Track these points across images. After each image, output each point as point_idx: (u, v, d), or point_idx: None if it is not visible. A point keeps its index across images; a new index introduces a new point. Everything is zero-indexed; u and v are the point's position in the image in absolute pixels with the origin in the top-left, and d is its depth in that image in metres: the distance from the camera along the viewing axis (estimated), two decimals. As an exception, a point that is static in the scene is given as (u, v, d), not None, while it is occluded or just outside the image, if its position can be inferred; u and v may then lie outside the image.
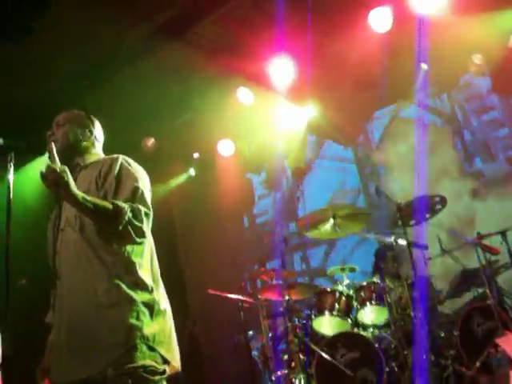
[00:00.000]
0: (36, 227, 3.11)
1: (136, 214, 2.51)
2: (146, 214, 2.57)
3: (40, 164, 3.20)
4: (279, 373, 5.17)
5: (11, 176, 2.69)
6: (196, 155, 7.20)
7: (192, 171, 7.25)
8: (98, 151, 3.01)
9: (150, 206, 2.64)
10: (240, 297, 5.49)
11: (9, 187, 2.66)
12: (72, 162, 2.83)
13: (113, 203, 2.49)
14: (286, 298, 5.19)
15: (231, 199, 7.25)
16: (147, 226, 2.58)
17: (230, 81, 6.54)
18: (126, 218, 2.47)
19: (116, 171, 2.68)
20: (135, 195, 2.60)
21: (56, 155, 2.53)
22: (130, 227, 2.48)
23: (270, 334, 5.44)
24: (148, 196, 2.69)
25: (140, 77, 6.23)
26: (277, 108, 6.63)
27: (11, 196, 2.66)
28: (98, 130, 3.05)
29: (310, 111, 6.72)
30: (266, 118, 6.89)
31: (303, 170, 7.24)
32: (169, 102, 6.89)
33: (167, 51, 5.98)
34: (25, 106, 5.95)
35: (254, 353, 5.57)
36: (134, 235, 2.51)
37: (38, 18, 5.29)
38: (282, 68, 6.20)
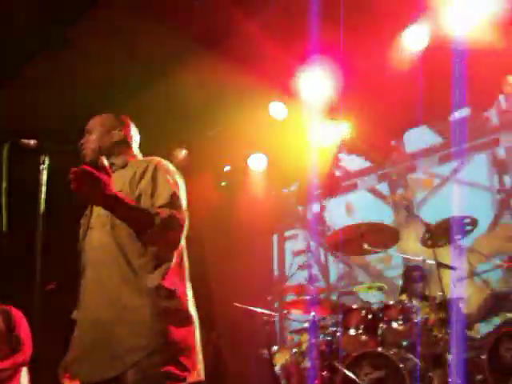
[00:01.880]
0: (69, 228, 3.12)
1: (172, 221, 2.48)
2: (182, 222, 2.54)
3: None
4: (303, 389, 5.13)
5: (44, 178, 2.71)
6: (227, 168, 7.21)
7: (223, 184, 7.26)
8: (133, 152, 3.00)
9: (186, 212, 2.62)
10: (266, 311, 5.46)
11: (41, 189, 2.68)
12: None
13: (148, 208, 2.49)
14: (312, 314, 5.15)
15: (261, 213, 7.25)
16: (182, 233, 2.56)
17: (263, 94, 6.56)
18: (162, 225, 2.44)
19: (152, 174, 2.66)
20: (172, 201, 2.58)
21: (108, 168, 2.51)
22: (164, 234, 2.47)
23: (295, 350, 5.40)
24: (184, 202, 2.66)
25: (173, 88, 6.29)
26: (310, 123, 6.62)
27: (43, 198, 2.63)
28: (130, 130, 3.04)
29: (342, 127, 6.70)
30: (298, 133, 6.89)
31: (334, 187, 7.21)
32: (201, 114, 6.94)
33: (200, 63, 6.02)
34: (63, 112, 6.05)
35: (278, 368, 5.53)
36: (167, 242, 2.50)
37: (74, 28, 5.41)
38: (315, 83, 6.20)
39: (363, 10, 5.73)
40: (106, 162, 2.47)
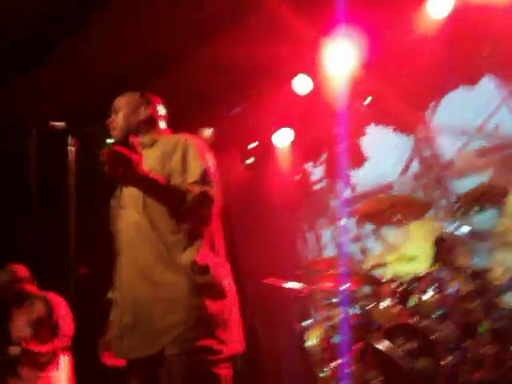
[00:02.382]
0: (100, 209, 3.15)
1: (204, 197, 2.50)
2: (214, 198, 2.55)
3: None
4: (335, 363, 5.14)
5: (72, 160, 2.73)
6: (253, 145, 7.18)
7: (249, 161, 7.23)
8: (161, 129, 3.00)
9: (217, 187, 2.62)
10: (296, 286, 5.47)
11: (69, 171, 2.70)
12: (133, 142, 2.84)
13: (179, 186, 2.50)
14: (344, 287, 5.15)
15: (289, 188, 7.24)
16: (214, 210, 2.57)
17: (287, 68, 6.51)
18: (194, 202, 2.46)
19: (182, 151, 2.67)
20: (203, 177, 2.58)
21: (138, 147, 2.51)
22: (196, 211, 2.48)
23: (326, 324, 5.40)
24: (215, 177, 2.66)
25: (196, 65, 6.27)
26: (335, 96, 6.55)
27: (73, 179, 2.68)
28: (157, 108, 3.04)
29: (368, 99, 6.63)
30: (324, 106, 6.83)
31: (361, 159, 7.15)
32: (225, 92, 6.92)
33: (225, 39, 5.99)
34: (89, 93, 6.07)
35: (310, 343, 5.54)
36: (199, 219, 2.51)
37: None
38: (340, 55, 6.13)
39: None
40: (135, 142, 2.49)
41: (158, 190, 2.47)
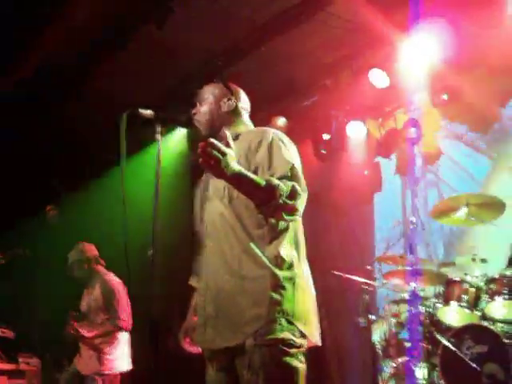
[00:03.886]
0: (178, 199, 3.21)
1: (292, 193, 2.48)
2: (301, 193, 2.53)
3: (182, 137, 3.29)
4: (400, 360, 5.12)
5: (160, 149, 2.77)
6: (326, 136, 7.16)
7: (322, 152, 7.21)
8: (245, 121, 2.99)
9: (304, 183, 2.61)
10: (364, 280, 5.46)
11: (158, 160, 2.72)
12: (219, 135, 2.83)
13: (269, 181, 2.47)
14: (413, 284, 5.11)
15: (359, 182, 7.20)
16: (301, 205, 2.55)
17: (364, 61, 6.46)
18: (283, 198, 2.45)
19: (268, 146, 2.64)
20: (291, 173, 2.56)
21: (231, 140, 2.51)
22: (284, 207, 2.47)
23: (393, 320, 5.38)
24: (302, 173, 2.65)
25: (272, 55, 6.29)
26: (411, 91, 6.46)
27: (159, 170, 2.70)
28: (242, 99, 3.02)
29: (445, 95, 6.49)
30: (399, 101, 6.75)
31: (436, 155, 7.05)
32: (300, 82, 6.92)
33: (300, 31, 5.98)
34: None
35: (375, 338, 5.53)
36: (286, 215, 2.52)
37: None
38: (417, 50, 6.02)
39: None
40: (224, 134, 2.49)
41: (248, 187, 2.46)
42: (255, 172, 2.60)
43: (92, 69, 6.40)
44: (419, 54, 6.03)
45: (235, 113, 2.96)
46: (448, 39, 5.86)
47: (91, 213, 7.75)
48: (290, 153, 2.67)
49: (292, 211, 2.51)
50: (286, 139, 2.74)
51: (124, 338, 5.48)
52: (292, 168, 2.58)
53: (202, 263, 2.79)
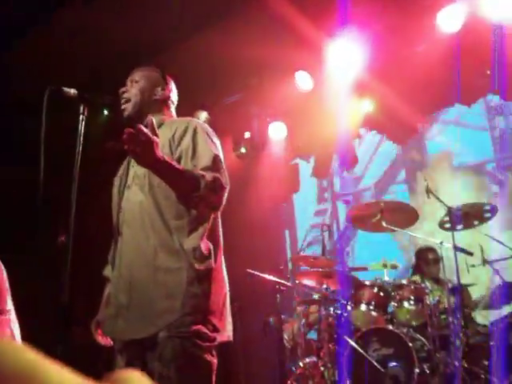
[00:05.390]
0: (102, 182, 3.10)
1: (216, 184, 2.47)
2: (225, 185, 2.53)
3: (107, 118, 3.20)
4: (308, 360, 5.17)
5: (82, 128, 2.69)
6: (247, 134, 7.16)
7: (242, 150, 7.22)
8: (171, 112, 2.96)
9: (226, 174, 2.60)
10: (277, 279, 5.48)
11: (79, 140, 2.64)
12: (144, 120, 2.77)
13: (193, 171, 2.46)
14: (324, 286, 5.18)
15: (277, 182, 7.24)
16: (223, 198, 2.55)
17: (290, 63, 6.49)
18: (206, 190, 2.43)
19: (192, 135, 2.63)
20: (214, 164, 2.55)
21: (156, 128, 2.47)
22: (208, 197, 2.45)
23: (303, 321, 5.43)
24: (224, 164, 2.64)
25: (197, 50, 6.23)
26: (334, 96, 6.55)
27: (80, 148, 2.62)
28: (172, 90, 3.00)
29: (368, 104, 6.64)
30: (322, 105, 6.83)
31: (353, 162, 7.18)
32: (225, 78, 6.88)
33: (229, 26, 5.96)
34: (101, 61, 5.99)
35: (285, 337, 5.57)
36: (208, 207, 2.49)
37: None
38: (343, 55, 6.13)
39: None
40: (154, 122, 2.43)
41: (172, 176, 2.42)
42: (178, 161, 2.57)
43: (16, 43, 6.10)
44: (345, 60, 6.13)
45: (164, 102, 2.93)
46: (373, 49, 6.01)
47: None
48: (214, 143, 2.67)
49: (215, 204, 2.50)
50: (210, 130, 2.75)
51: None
52: (215, 159, 2.57)
53: (117, 252, 2.71)
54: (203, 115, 7.05)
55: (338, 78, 6.38)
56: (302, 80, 6.58)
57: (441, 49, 5.89)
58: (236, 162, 7.17)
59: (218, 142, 2.74)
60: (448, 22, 5.69)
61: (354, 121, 6.90)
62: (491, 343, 4.66)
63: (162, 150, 2.51)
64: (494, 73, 5.59)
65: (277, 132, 7.17)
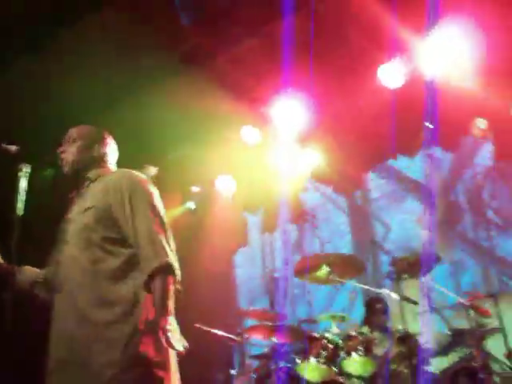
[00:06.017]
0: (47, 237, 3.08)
1: (170, 275, 2.54)
2: (172, 259, 2.56)
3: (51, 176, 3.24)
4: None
5: (22, 186, 2.70)
6: (195, 189, 7.19)
7: (190, 204, 7.23)
8: (109, 166, 2.98)
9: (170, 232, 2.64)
10: (226, 334, 5.43)
11: (18, 197, 2.68)
12: (83, 177, 2.85)
13: (132, 237, 2.57)
14: (273, 340, 5.15)
15: (226, 236, 7.24)
16: (176, 266, 2.58)
17: (235, 118, 6.59)
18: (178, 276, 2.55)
19: (129, 201, 2.64)
20: (152, 240, 2.55)
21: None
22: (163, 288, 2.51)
23: (253, 376, 5.37)
24: (164, 219, 2.67)
25: (149, 104, 6.28)
26: (281, 150, 6.66)
27: (20, 206, 2.66)
28: (110, 146, 3.03)
29: (313, 156, 6.76)
30: (269, 159, 6.92)
31: (301, 215, 7.25)
32: (173, 133, 6.92)
33: (176, 83, 6.04)
34: (43, 119, 5.96)
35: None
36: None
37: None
38: (288, 112, 6.26)
39: (340, 46, 5.86)
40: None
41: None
42: (110, 212, 2.61)
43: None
44: (290, 115, 6.26)
45: (101, 159, 2.95)
46: (316, 104, 6.16)
47: None
48: (153, 199, 2.68)
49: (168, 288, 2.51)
50: (145, 187, 2.73)
51: None
52: (153, 231, 2.57)
53: (55, 305, 2.67)
54: (151, 170, 7.05)
55: (283, 132, 6.49)
56: (248, 134, 6.67)
57: (384, 102, 6.05)
58: (185, 215, 7.16)
59: (156, 194, 2.74)
60: (388, 78, 5.88)
61: (301, 174, 7.00)
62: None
63: (96, 204, 2.64)
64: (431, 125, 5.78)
65: (225, 186, 7.21)
